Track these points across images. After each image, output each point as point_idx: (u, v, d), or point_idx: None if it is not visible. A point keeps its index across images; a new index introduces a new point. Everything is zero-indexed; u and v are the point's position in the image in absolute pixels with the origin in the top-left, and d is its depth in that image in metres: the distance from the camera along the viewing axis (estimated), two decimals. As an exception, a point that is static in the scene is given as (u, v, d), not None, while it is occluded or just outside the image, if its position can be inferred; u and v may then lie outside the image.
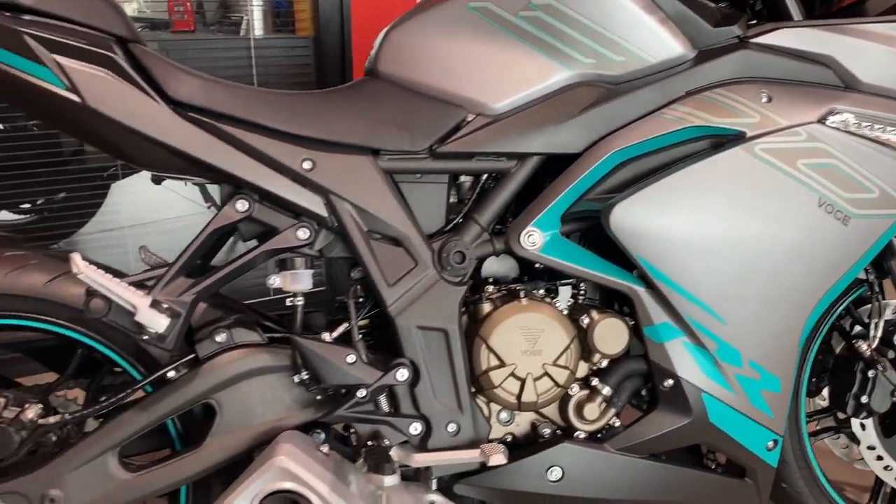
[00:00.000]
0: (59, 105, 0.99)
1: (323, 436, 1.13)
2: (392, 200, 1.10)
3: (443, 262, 1.11)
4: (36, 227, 2.72)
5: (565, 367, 1.13)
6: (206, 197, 3.39)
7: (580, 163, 1.10)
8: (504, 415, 1.18)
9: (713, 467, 1.27)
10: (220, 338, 1.07)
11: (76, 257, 0.94)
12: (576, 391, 1.17)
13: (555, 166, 1.13)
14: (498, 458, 1.05)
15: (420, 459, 1.08)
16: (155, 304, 0.98)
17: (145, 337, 0.99)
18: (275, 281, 1.10)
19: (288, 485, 1.00)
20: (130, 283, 1.00)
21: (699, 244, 1.10)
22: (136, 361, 1.10)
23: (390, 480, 0.97)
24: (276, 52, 2.39)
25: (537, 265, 1.19)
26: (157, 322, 0.97)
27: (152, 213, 2.93)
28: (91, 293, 0.98)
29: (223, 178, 1.06)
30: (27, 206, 2.81)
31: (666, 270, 1.09)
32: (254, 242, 1.10)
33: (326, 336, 1.10)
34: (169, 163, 1.04)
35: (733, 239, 1.10)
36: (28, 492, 1.01)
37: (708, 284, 1.11)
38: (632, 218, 1.08)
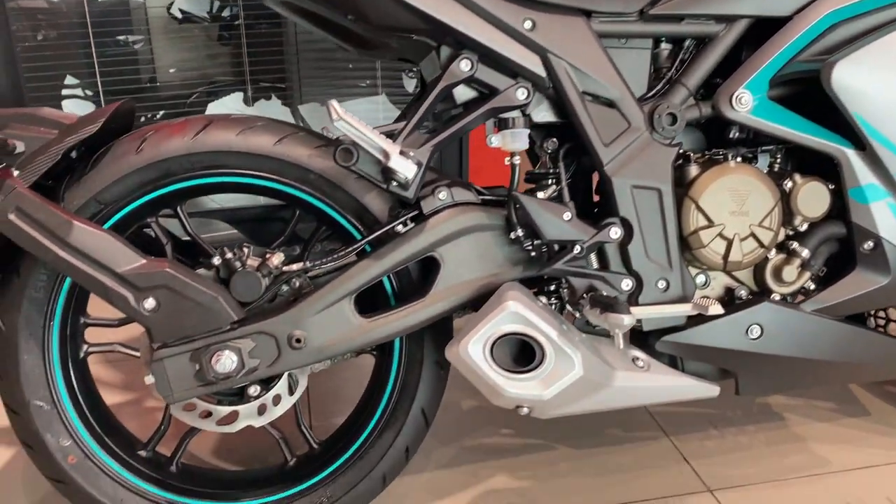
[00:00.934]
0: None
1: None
2: (606, 62, 1.12)
3: (654, 123, 1.13)
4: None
5: (770, 229, 1.16)
6: (296, 119, 3.41)
7: (792, 25, 1.11)
8: (700, 278, 1.22)
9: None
10: (442, 195, 1.12)
11: (335, 103, 0.98)
12: (773, 254, 1.20)
13: (756, 34, 1.14)
14: (716, 308, 1.09)
15: (635, 311, 1.12)
16: (402, 153, 1.03)
17: (393, 184, 1.03)
18: (494, 140, 1.13)
19: (519, 327, 1.06)
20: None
21: (917, 103, 1.11)
22: (357, 221, 1.15)
23: (629, 319, 1.01)
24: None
25: (732, 135, 1.21)
26: (407, 168, 1.02)
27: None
28: (339, 143, 1.03)
29: (449, 35, 1.09)
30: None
31: (882, 129, 1.11)
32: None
33: (541, 195, 1.14)
34: (400, 19, 1.07)
35: (951, 98, 1.11)
36: (276, 332, 1.08)
37: (922, 144, 1.12)
38: (852, 75, 1.09)
